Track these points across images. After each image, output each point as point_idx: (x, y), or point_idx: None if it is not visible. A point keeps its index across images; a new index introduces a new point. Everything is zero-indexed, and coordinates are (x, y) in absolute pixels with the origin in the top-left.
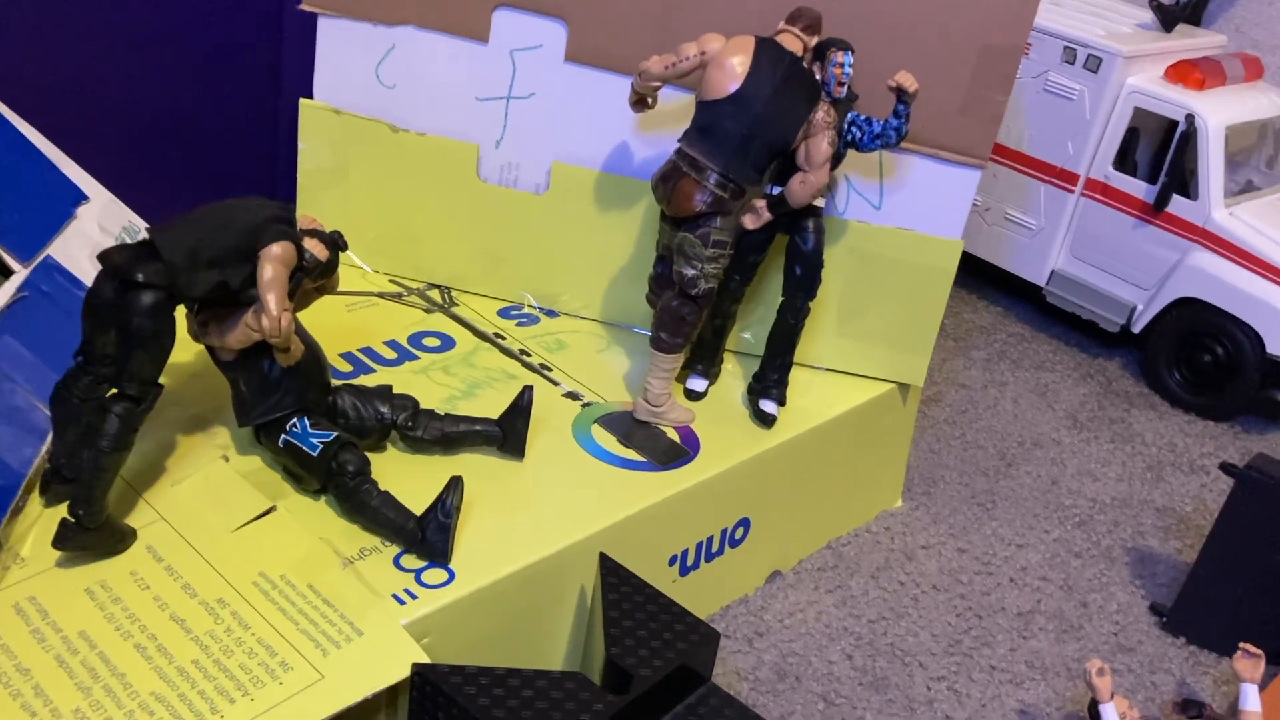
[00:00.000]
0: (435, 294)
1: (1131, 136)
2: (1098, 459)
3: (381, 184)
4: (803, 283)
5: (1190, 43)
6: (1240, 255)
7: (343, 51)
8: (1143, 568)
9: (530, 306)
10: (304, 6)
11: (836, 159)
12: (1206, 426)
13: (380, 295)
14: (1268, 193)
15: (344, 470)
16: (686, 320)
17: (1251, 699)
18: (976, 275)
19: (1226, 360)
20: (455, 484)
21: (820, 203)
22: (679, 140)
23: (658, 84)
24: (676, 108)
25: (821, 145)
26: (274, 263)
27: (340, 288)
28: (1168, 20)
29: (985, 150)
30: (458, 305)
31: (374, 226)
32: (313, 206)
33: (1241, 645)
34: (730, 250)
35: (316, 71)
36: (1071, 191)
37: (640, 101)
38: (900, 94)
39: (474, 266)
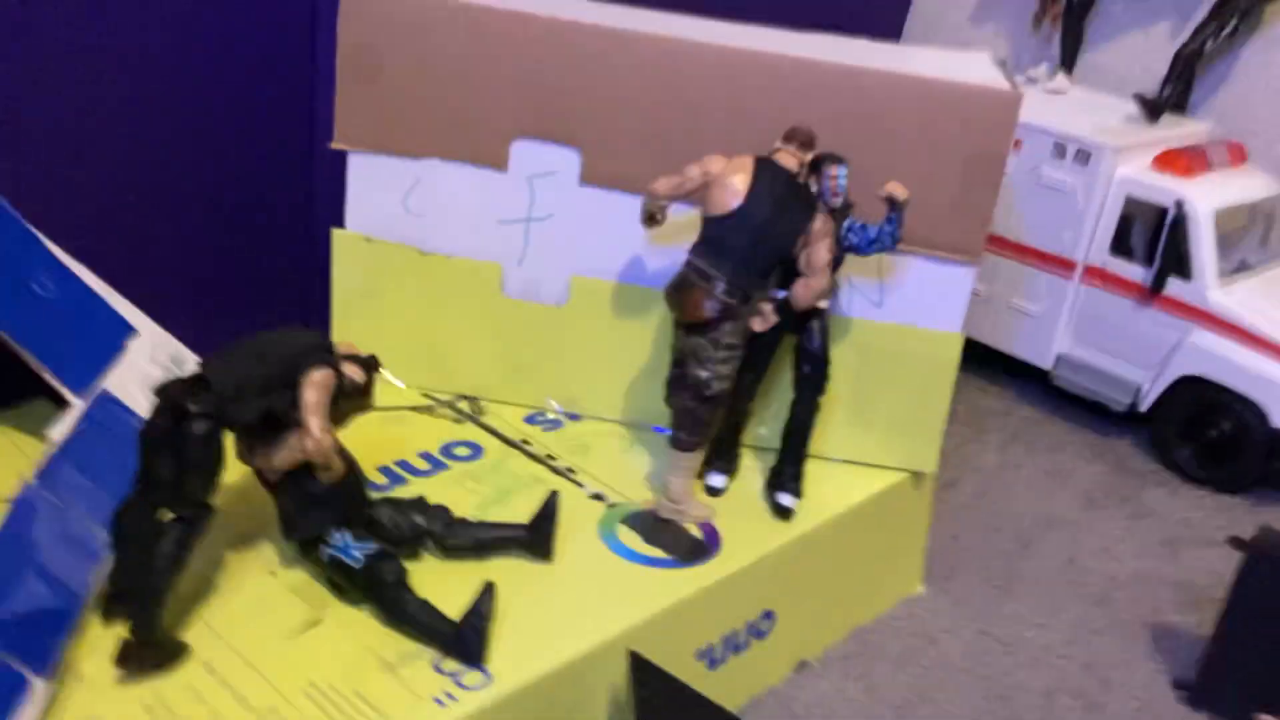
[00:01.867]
0: (464, 404)
1: (1125, 223)
2: (1113, 536)
3: (412, 303)
4: (811, 379)
5: (1176, 132)
6: (1238, 333)
7: (372, 184)
8: (1163, 643)
9: (554, 412)
10: (335, 145)
11: (836, 263)
12: (1219, 500)
13: (412, 409)
14: (1262, 270)
15: (384, 580)
16: (702, 420)
17: None
18: (987, 362)
19: (1234, 435)
20: (488, 590)
21: (824, 304)
22: (688, 252)
23: (666, 203)
24: (685, 222)
25: (820, 252)
26: (315, 388)
27: (377, 401)
28: (1153, 111)
29: (978, 248)
30: (485, 414)
31: (405, 343)
32: (348, 326)
33: (1257, 716)
34: (740, 352)
35: (348, 203)
36: (1070, 278)
37: (651, 219)
38: (892, 203)
39: (500, 376)
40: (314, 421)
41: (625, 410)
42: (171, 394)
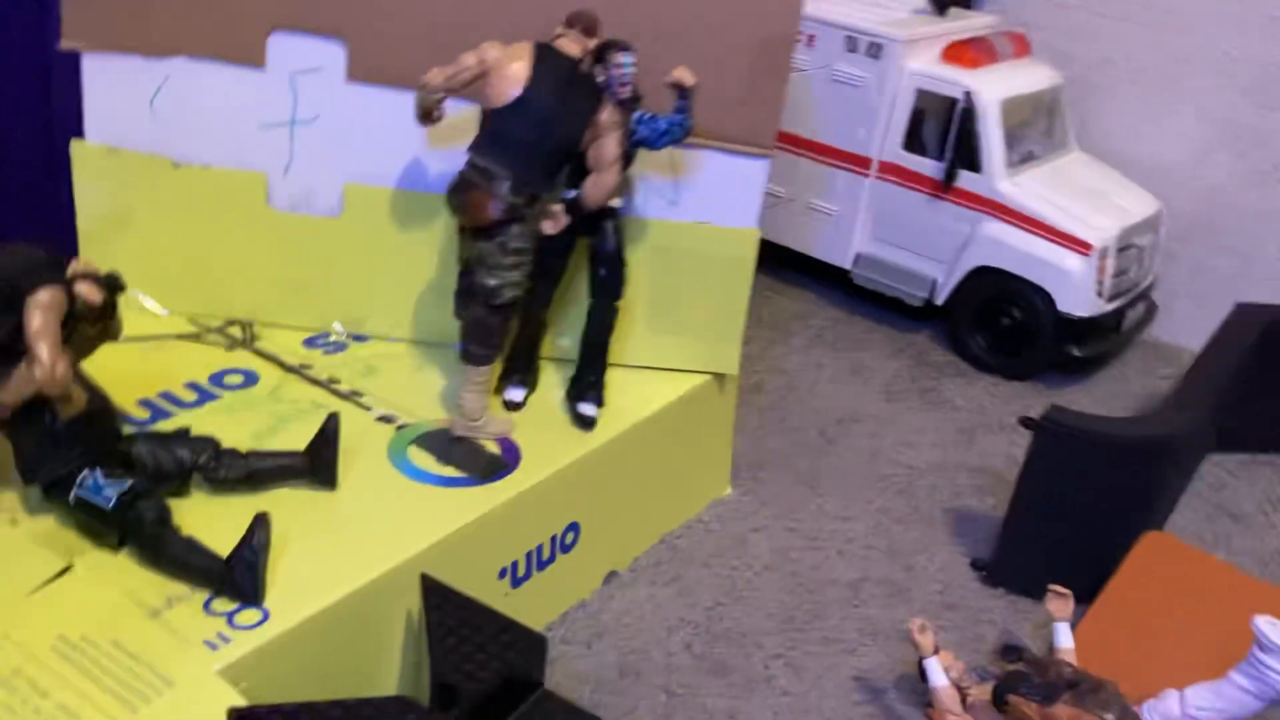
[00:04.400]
0: (235, 330)
1: (917, 118)
2: (913, 428)
3: (169, 222)
4: (607, 283)
5: (963, 25)
6: (1026, 221)
7: (112, 88)
8: (962, 527)
9: (337, 334)
10: (64, 45)
11: (627, 159)
12: (1012, 387)
13: (177, 336)
14: (1046, 161)
15: (142, 520)
16: (494, 330)
17: (1064, 636)
18: (789, 265)
19: (1024, 322)
20: (261, 520)
21: (617, 203)
22: (468, 150)
23: (440, 96)
24: (467, 119)
25: (609, 145)
26: (41, 310)
27: (134, 331)
28: (940, 5)
29: (770, 138)
30: (260, 339)
31: (165, 266)
32: (98, 252)
33: (1050, 587)
34: (531, 257)
35: (86, 111)
36: (866, 175)
37: (426, 115)
38: (680, 90)
39: (274, 298)
40: (43, 348)
41: (413, 328)
42: None
